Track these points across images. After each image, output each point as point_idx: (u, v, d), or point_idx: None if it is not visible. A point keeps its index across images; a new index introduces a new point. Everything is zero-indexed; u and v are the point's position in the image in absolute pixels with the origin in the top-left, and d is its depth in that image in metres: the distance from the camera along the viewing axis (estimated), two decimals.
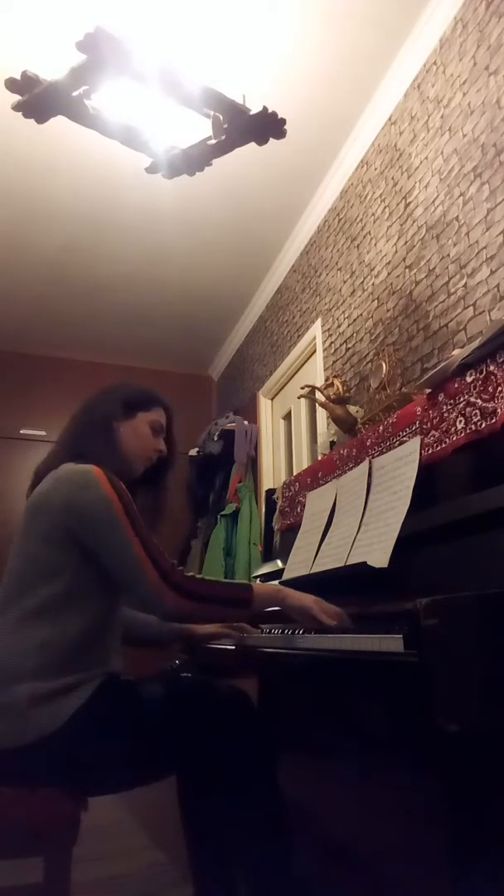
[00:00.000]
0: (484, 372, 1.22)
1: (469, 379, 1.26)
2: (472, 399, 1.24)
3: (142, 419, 1.42)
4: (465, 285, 2.09)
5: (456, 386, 1.30)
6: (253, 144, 2.12)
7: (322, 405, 2.25)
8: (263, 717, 1.79)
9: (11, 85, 1.92)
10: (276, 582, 1.73)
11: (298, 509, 1.95)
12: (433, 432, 1.35)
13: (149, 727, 1.21)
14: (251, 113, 2.01)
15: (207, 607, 1.23)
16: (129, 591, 1.24)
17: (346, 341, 2.99)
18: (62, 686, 1.16)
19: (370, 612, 1.14)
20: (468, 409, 1.25)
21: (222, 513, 3.89)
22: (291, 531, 1.92)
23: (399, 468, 1.38)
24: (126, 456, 1.39)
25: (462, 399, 1.27)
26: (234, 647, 1.44)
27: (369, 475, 1.48)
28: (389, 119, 2.68)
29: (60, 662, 1.18)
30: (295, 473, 2.33)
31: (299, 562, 1.64)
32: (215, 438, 4.19)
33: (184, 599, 1.18)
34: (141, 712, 1.22)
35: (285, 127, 2.07)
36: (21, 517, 1.30)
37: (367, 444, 1.64)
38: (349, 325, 2.96)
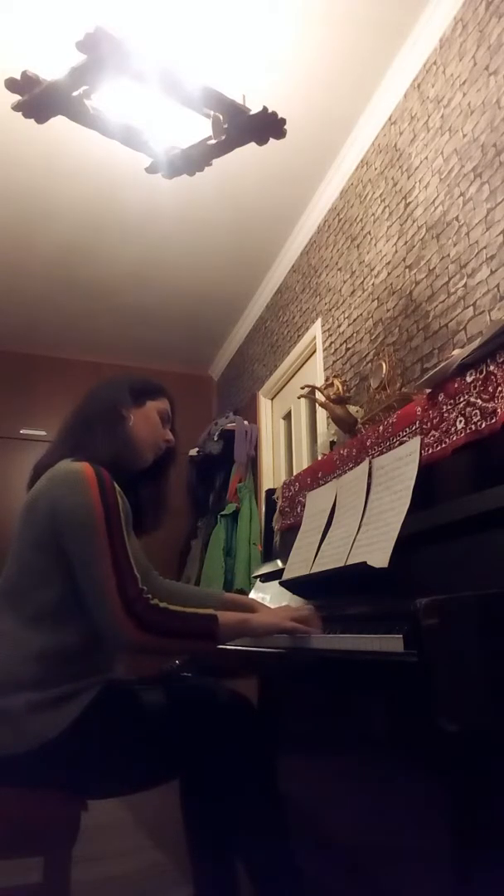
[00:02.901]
0: (484, 372, 1.22)
1: (469, 379, 1.26)
2: (472, 399, 1.24)
3: (151, 407, 1.40)
4: (465, 285, 2.09)
5: (456, 386, 1.30)
6: (253, 144, 2.12)
7: (322, 405, 2.25)
8: (263, 719, 1.79)
9: (11, 85, 1.92)
10: (276, 582, 1.73)
11: (298, 509, 1.95)
12: (433, 432, 1.35)
13: (149, 734, 1.19)
14: (251, 113, 2.00)
15: (169, 641, 1.15)
16: (90, 614, 1.14)
17: (346, 341, 2.99)
18: (61, 694, 1.14)
19: (370, 612, 1.14)
20: (468, 409, 1.25)
21: (222, 513, 3.89)
22: (291, 531, 1.92)
23: (399, 468, 1.38)
24: (137, 444, 1.35)
25: (462, 399, 1.27)
26: (234, 647, 1.44)
27: (369, 475, 1.48)
28: (389, 119, 2.68)
29: (59, 671, 1.16)
30: (295, 473, 2.33)
31: (299, 562, 1.64)
32: (215, 438, 4.19)
33: (144, 633, 1.11)
34: (141, 719, 1.20)
35: (285, 127, 2.07)
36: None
37: (367, 444, 1.64)
38: (349, 325, 2.96)
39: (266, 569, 2.00)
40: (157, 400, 1.42)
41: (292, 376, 3.75)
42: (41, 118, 2.00)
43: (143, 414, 1.39)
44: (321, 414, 3.05)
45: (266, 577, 1.95)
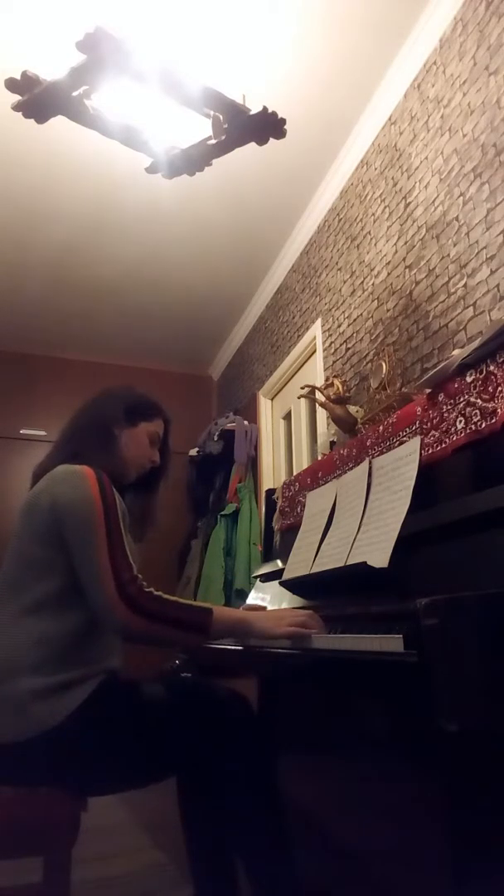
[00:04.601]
0: (484, 372, 1.22)
1: (469, 379, 1.26)
2: (472, 399, 1.24)
3: (143, 429, 1.45)
4: (465, 285, 2.09)
5: (456, 386, 1.30)
6: (253, 144, 2.12)
7: (322, 405, 2.25)
8: (263, 718, 1.79)
9: (11, 85, 1.92)
10: (276, 582, 1.73)
11: (298, 509, 1.95)
12: (433, 432, 1.35)
13: (149, 728, 1.21)
14: (251, 113, 2.00)
15: (160, 628, 1.17)
16: (86, 598, 1.19)
17: (346, 341, 2.99)
18: (62, 682, 1.16)
19: (370, 612, 1.14)
20: (468, 409, 1.25)
21: (222, 513, 3.89)
22: (291, 531, 1.92)
23: (399, 468, 1.38)
24: (122, 462, 1.41)
25: (462, 399, 1.27)
26: (234, 647, 1.44)
27: (369, 475, 1.48)
28: (389, 119, 2.68)
29: (59, 658, 1.18)
30: (295, 473, 2.33)
31: (299, 562, 1.64)
32: (215, 438, 4.19)
33: (135, 616, 1.14)
34: (141, 713, 1.22)
35: (285, 127, 2.07)
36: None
37: (367, 444, 1.64)
38: (349, 325, 2.96)
39: (266, 569, 2.00)
40: (152, 422, 1.47)
41: (292, 376, 3.75)
42: (41, 118, 2.00)
43: (133, 434, 1.44)
44: (321, 414, 3.05)
45: (266, 577, 1.95)
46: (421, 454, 1.33)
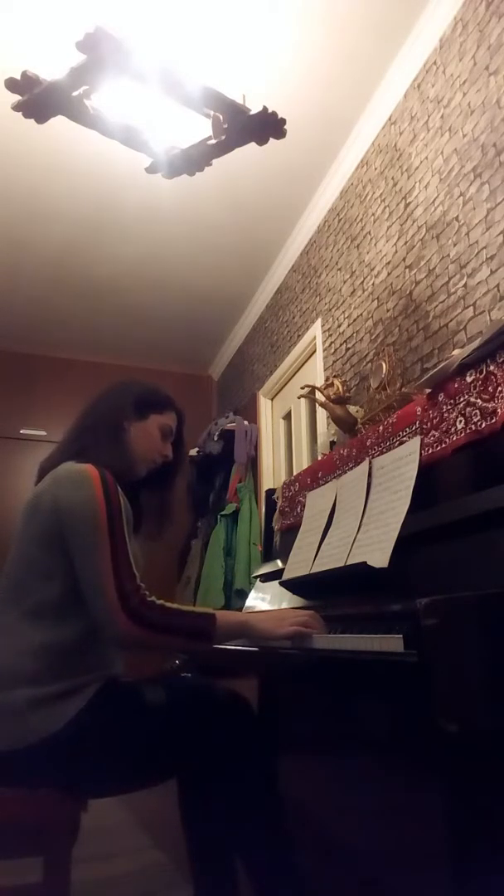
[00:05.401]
0: (484, 372, 1.22)
1: (469, 379, 1.26)
2: (472, 399, 1.24)
3: (153, 421, 1.41)
4: (465, 285, 2.09)
5: (456, 386, 1.30)
6: (253, 144, 2.12)
7: (322, 405, 2.25)
8: (262, 719, 1.79)
9: (11, 85, 1.92)
10: (276, 582, 1.73)
11: (298, 509, 1.95)
12: (433, 432, 1.35)
13: (148, 732, 1.20)
14: (251, 113, 2.00)
15: (163, 638, 1.16)
16: (87, 606, 1.16)
17: (346, 341, 2.99)
18: (61, 690, 1.15)
19: (370, 612, 1.14)
20: (468, 409, 1.25)
21: (222, 513, 3.89)
22: (291, 531, 1.91)
23: (399, 468, 1.38)
24: (131, 457, 1.37)
25: (462, 399, 1.27)
26: (234, 648, 1.44)
27: (369, 475, 1.48)
28: (389, 119, 2.68)
29: (59, 666, 1.17)
30: (295, 473, 2.33)
31: (299, 562, 1.64)
32: (215, 438, 4.19)
33: (137, 627, 1.12)
34: (141, 717, 1.21)
35: (285, 127, 2.07)
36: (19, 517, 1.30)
37: (367, 444, 1.64)
38: (349, 325, 2.96)
39: (266, 569, 2.00)
40: (162, 414, 1.43)
41: (292, 376, 3.75)
42: (41, 118, 2.00)
43: (144, 428, 1.40)
44: (321, 414, 3.05)
45: (266, 577, 1.95)
46: (421, 454, 1.33)
